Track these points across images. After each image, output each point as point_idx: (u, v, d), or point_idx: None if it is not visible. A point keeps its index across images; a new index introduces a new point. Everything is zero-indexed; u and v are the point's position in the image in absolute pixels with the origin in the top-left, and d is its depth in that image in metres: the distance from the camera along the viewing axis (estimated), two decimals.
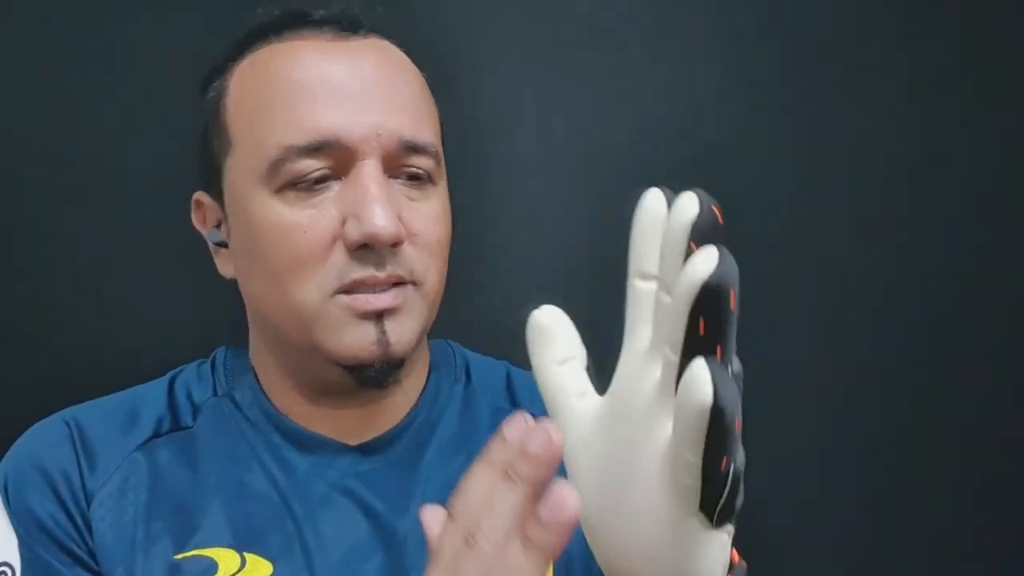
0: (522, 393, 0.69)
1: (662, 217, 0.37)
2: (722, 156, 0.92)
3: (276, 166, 0.56)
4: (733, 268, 0.33)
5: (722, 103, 0.93)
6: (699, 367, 0.32)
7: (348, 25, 0.60)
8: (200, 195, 0.64)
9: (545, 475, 0.34)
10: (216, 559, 0.56)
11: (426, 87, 0.63)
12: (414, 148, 0.58)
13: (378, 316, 0.56)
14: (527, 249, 0.93)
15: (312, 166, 0.56)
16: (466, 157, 0.89)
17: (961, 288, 0.95)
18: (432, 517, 0.39)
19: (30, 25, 0.85)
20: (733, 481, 0.35)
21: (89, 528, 0.57)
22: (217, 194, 0.62)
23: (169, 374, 0.66)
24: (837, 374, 0.95)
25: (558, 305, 0.40)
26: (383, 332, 0.56)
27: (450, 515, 0.37)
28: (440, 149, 0.61)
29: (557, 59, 0.92)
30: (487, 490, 0.35)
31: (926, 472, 0.95)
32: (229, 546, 0.57)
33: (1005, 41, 0.95)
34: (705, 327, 0.33)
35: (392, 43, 0.62)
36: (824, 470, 0.95)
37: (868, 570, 0.96)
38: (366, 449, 0.62)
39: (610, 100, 0.92)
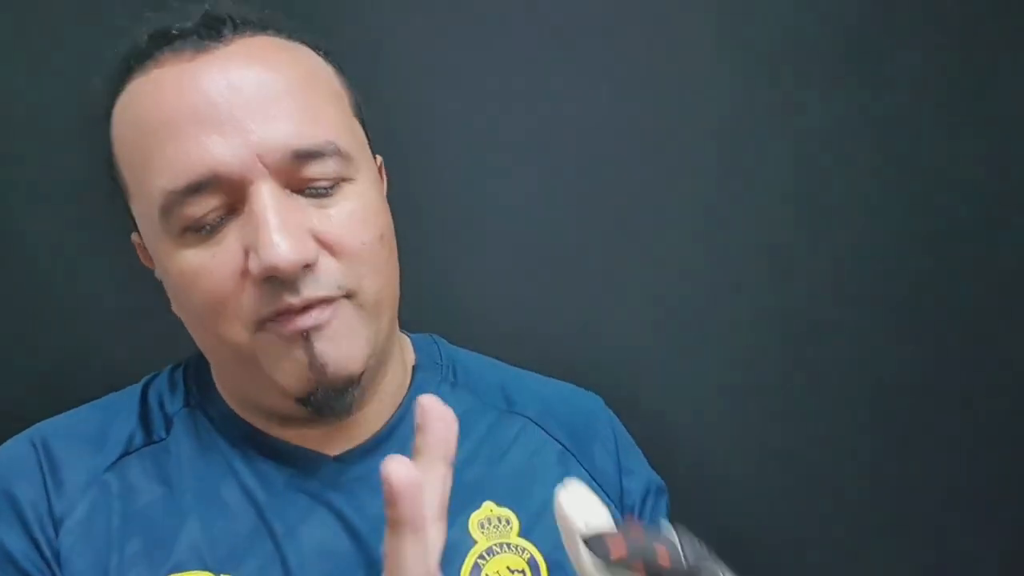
0: (517, 393, 0.66)
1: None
2: (710, 156, 0.89)
3: (165, 213, 0.53)
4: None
5: (711, 103, 0.89)
6: None
7: (209, 31, 0.55)
8: (135, 236, 0.61)
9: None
10: None
11: (318, 72, 0.57)
12: (309, 155, 0.53)
13: (304, 337, 0.53)
14: (511, 245, 0.90)
15: (202, 208, 0.52)
16: (451, 154, 0.88)
17: (958, 288, 0.92)
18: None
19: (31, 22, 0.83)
20: None
21: (57, 557, 0.55)
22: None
23: (143, 381, 0.64)
24: (836, 373, 0.93)
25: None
26: (312, 354, 0.53)
27: None
28: (348, 141, 0.56)
29: (546, 54, 0.87)
30: None
31: (922, 473, 0.94)
32: (205, 568, 0.55)
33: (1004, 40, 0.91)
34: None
35: (269, 34, 0.56)
36: (820, 471, 0.94)
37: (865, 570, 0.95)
38: (346, 459, 0.60)
39: (601, 95, 0.88)
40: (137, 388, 0.63)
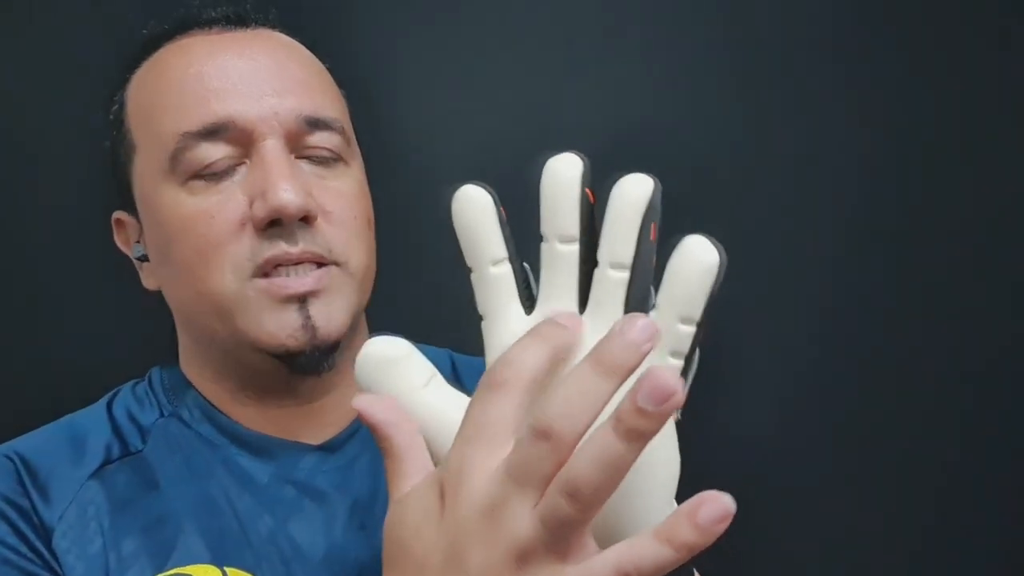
0: (468, 379, 0.67)
1: (491, 203, 0.41)
2: (665, 156, 0.88)
3: (176, 156, 0.56)
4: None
5: (669, 102, 0.92)
6: (696, 236, 0.36)
7: (236, 21, 0.61)
8: (118, 214, 0.64)
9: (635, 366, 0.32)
10: None
11: (325, 71, 0.63)
12: (316, 124, 0.58)
13: (301, 300, 0.55)
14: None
15: (213, 153, 0.55)
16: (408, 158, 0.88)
17: (957, 287, 0.94)
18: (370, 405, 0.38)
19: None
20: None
21: (56, 559, 0.55)
22: (132, 208, 0.61)
23: (104, 399, 0.64)
24: (835, 374, 0.94)
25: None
26: (307, 316, 0.55)
27: (498, 383, 0.34)
28: (349, 128, 0.61)
29: (509, 58, 0.91)
30: (575, 381, 0.32)
31: (922, 473, 0.95)
32: (209, 562, 0.55)
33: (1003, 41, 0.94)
34: (655, 231, 0.37)
35: (283, 32, 0.63)
36: (818, 470, 0.95)
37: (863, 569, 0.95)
38: (328, 447, 0.61)
39: (603, 99, 0.91)
40: (101, 406, 0.63)
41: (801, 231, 0.93)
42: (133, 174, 0.60)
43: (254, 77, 0.57)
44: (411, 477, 0.37)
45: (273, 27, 0.62)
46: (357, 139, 0.64)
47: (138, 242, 0.63)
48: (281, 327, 0.55)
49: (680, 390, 0.29)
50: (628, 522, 0.38)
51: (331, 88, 0.62)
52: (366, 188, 0.62)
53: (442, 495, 0.34)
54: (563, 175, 0.39)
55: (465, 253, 0.41)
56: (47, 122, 0.85)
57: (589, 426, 0.31)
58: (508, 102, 0.91)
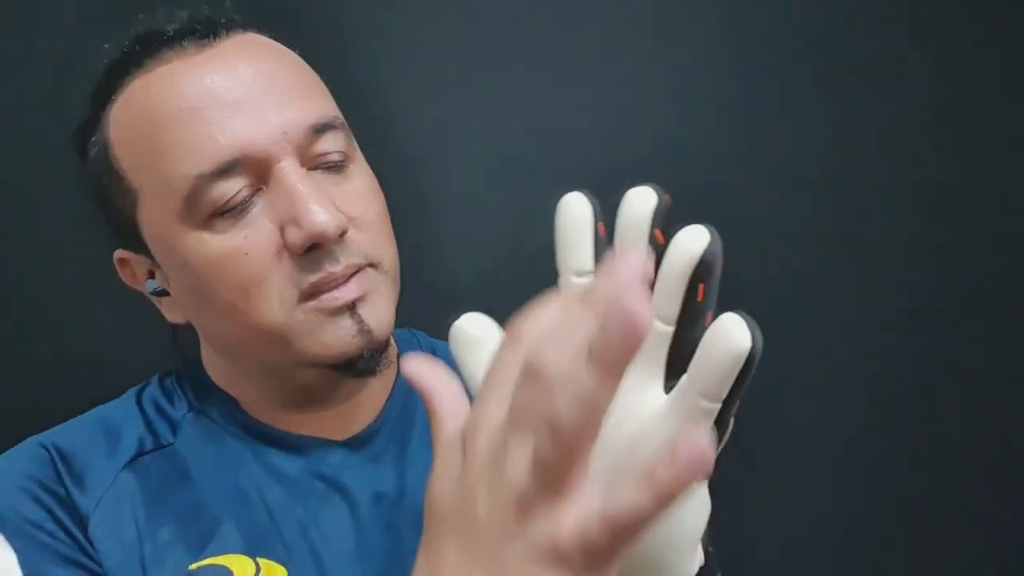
0: None
1: (589, 216, 0.40)
2: (667, 157, 0.91)
3: (192, 199, 0.54)
4: (719, 241, 0.37)
5: (672, 103, 0.91)
6: (733, 317, 0.35)
7: (206, 31, 0.57)
8: (121, 252, 0.62)
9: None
10: (230, 567, 0.56)
11: (304, 64, 0.60)
12: (324, 127, 0.56)
13: (351, 308, 0.55)
14: (472, 246, 0.93)
15: (230, 188, 0.53)
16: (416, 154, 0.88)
17: (958, 287, 0.94)
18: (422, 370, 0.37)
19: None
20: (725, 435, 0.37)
21: (93, 546, 0.55)
22: (139, 247, 0.59)
23: (132, 391, 0.64)
24: (838, 375, 0.95)
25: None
26: (360, 321, 0.56)
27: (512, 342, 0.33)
28: (343, 119, 0.59)
29: (505, 57, 0.90)
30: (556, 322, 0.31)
31: (929, 474, 0.96)
32: (243, 553, 0.56)
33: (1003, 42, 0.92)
34: (704, 293, 0.36)
35: (253, 32, 0.59)
36: (826, 473, 0.96)
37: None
38: (354, 444, 0.62)
39: (561, 98, 0.91)
40: (130, 398, 0.63)
41: (807, 236, 0.94)
42: (139, 219, 0.57)
43: (251, 98, 0.54)
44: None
45: (243, 28, 0.59)
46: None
47: (151, 278, 0.61)
48: (339, 337, 0.55)
49: (646, 320, 0.28)
50: (650, 570, 0.39)
51: (317, 82, 0.60)
52: (376, 181, 0.61)
53: (464, 451, 0.34)
54: (638, 209, 0.39)
55: (557, 258, 0.42)
56: (48, 122, 0.84)
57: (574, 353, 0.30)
58: (509, 104, 0.90)
